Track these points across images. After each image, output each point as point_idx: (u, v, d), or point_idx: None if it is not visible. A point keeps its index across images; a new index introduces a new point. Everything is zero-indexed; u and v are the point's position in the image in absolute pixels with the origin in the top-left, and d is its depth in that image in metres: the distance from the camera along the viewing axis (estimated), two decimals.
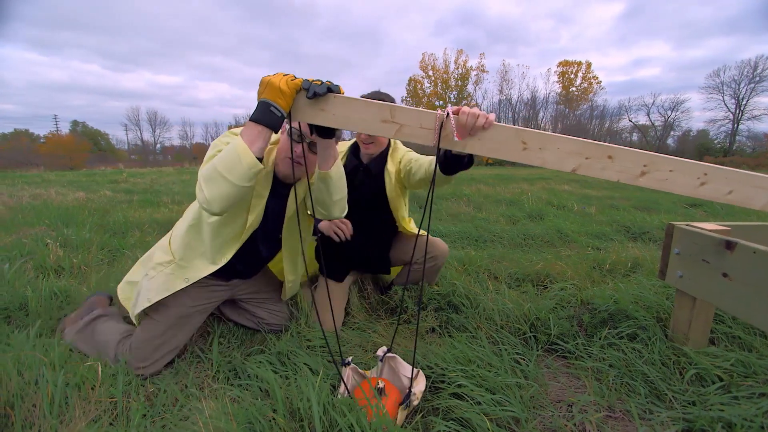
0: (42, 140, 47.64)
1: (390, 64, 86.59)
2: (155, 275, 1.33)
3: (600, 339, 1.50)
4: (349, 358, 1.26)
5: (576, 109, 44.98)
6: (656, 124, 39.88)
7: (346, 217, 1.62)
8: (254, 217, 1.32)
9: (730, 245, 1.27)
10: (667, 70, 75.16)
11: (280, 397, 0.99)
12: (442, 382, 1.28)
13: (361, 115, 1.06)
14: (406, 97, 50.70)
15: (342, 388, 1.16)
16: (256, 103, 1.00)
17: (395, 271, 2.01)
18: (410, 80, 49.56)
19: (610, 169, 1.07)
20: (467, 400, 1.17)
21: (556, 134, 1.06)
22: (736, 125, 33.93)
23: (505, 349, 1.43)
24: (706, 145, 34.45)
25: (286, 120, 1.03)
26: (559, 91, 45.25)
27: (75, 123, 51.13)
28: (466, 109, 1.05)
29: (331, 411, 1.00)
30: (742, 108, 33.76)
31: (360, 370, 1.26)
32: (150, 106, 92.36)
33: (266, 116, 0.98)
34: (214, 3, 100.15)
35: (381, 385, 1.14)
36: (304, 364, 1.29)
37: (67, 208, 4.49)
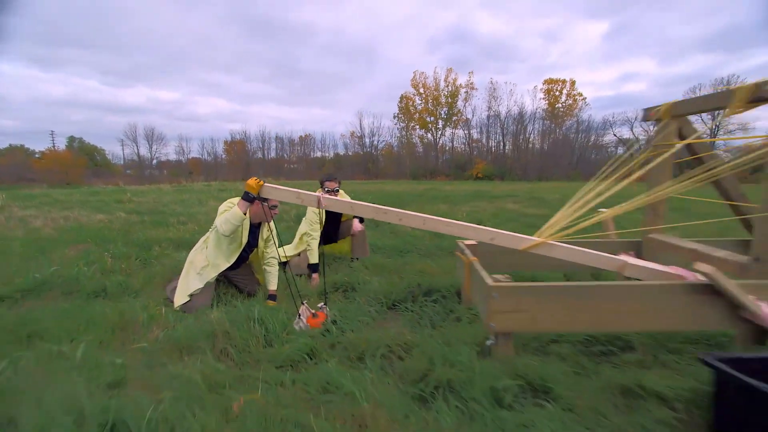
0: (37, 155, 48.53)
1: (385, 79, 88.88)
2: (202, 272, 2.76)
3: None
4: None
5: (562, 124, 47.06)
6: (640, 138, 42.06)
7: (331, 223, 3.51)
8: (244, 239, 2.81)
9: None
10: (652, 85, 77.53)
11: None
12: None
13: (281, 195, 2.45)
14: (398, 114, 52.41)
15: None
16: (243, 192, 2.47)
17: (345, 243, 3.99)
18: (402, 97, 51.07)
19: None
20: None
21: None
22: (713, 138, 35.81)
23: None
24: None
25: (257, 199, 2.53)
26: (545, 107, 47.19)
27: (71, 139, 52.14)
28: None
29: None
30: (717, 123, 35.84)
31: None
32: (148, 122, 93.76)
33: (247, 197, 2.45)
34: (213, 21, 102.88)
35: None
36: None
37: (97, 228, 5.78)
